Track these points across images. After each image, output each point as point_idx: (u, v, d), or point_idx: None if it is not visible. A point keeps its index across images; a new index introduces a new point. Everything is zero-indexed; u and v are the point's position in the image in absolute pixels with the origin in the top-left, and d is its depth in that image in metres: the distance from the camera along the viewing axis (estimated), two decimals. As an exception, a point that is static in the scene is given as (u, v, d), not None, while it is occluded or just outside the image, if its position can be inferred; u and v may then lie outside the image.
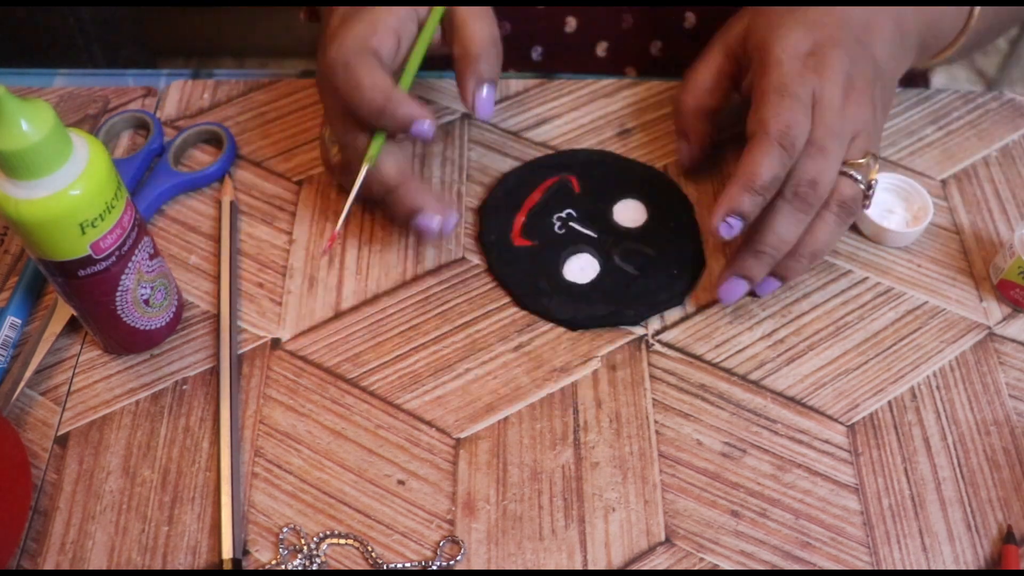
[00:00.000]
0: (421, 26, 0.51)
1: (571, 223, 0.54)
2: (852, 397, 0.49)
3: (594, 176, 0.56)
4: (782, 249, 0.48)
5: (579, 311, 0.51)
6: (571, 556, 0.44)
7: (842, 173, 0.47)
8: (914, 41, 0.53)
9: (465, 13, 0.50)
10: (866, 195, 0.48)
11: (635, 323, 0.51)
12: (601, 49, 0.67)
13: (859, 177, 0.47)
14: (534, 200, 0.55)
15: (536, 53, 0.68)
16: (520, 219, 0.54)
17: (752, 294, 0.51)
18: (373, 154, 0.48)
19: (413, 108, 0.48)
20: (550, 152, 0.58)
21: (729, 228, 0.46)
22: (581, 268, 0.53)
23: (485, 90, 0.50)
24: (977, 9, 0.55)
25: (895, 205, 0.55)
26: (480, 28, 0.50)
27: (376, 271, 0.53)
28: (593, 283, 0.52)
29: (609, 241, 0.53)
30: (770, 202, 0.47)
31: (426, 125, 0.48)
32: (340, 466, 0.46)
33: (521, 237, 0.54)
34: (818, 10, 0.49)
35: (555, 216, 0.54)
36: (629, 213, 0.55)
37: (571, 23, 0.66)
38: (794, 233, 0.47)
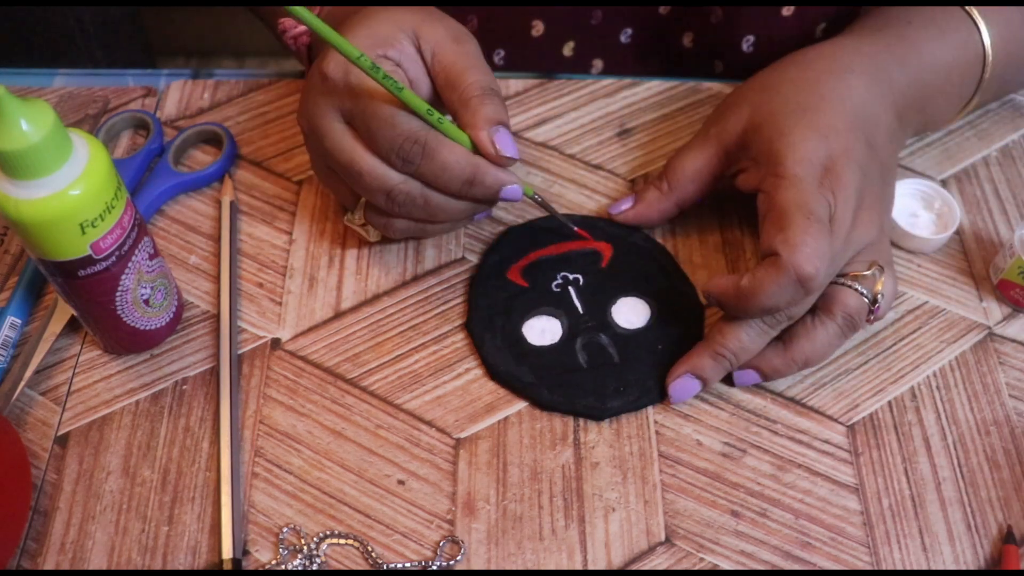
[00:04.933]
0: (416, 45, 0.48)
1: (569, 287, 0.51)
2: (852, 397, 0.49)
3: (627, 261, 0.53)
4: (741, 357, 0.46)
5: (506, 365, 0.48)
6: (571, 556, 0.44)
7: (847, 286, 0.46)
8: (910, 131, 0.54)
9: (460, 67, 0.47)
10: (871, 309, 0.46)
11: (544, 408, 0.48)
12: (568, 49, 0.66)
13: (864, 291, 0.46)
14: (558, 250, 0.53)
15: (498, 57, 0.66)
16: (531, 258, 0.52)
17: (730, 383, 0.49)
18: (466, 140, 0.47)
19: (500, 173, 0.46)
20: (607, 219, 0.54)
21: (681, 393, 0.47)
22: (542, 330, 0.50)
23: (501, 130, 0.46)
24: (975, 99, 0.55)
25: (917, 209, 0.55)
26: (478, 78, 0.47)
27: (376, 271, 0.53)
28: (540, 349, 0.49)
29: (587, 324, 0.50)
30: None
31: (517, 188, 0.47)
32: (340, 466, 0.46)
33: (519, 274, 0.52)
34: (827, 112, 0.47)
35: (562, 274, 0.52)
36: (630, 313, 0.51)
37: (538, 27, 0.64)
38: (757, 344, 0.46)
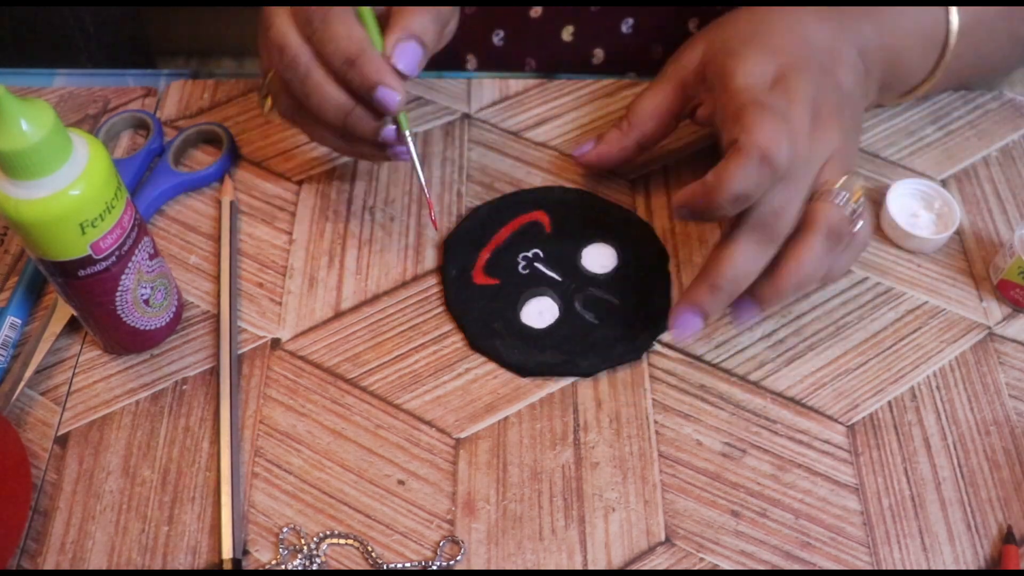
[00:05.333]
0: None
1: (536, 263, 0.52)
2: (852, 397, 0.49)
3: (567, 216, 0.54)
4: (740, 283, 0.45)
5: (530, 357, 0.49)
6: (571, 556, 0.44)
7: (824, 200, 0.44)
8: (876, 75, 0.52)
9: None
10: (851, 219, 0.45)
11: (587, 375, 0.49)
12: (567, 34, 0.66)
13: (840, 200, 0.44)
14: (502, 237, 0.53)
15: (497, 37, 0.66)
16: (485, 255, 0.53)
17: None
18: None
19: (385, 72, 0.45)
20: (524, 189, 0.56)
21: (683, 330, 0.46)
22: (540, 312, 0.51)
23: (411, 42, 0.46)
24: (949, 55, 0.53)
25: (917, 209, 0.55)
26: (423, 11, 0.47)
27: (376, 271, 0.53)
28: (550, 328, 0.50)
29: (572, 286, 0.51)
30: (730, 231, 0.44)
31: (394, 97, 0.45)
32: (340, 466, 0.46)
33: (484, 274, 0.52)
34: (779, 35, 0.47)
35: (521, 255, 0.53)
36: (599, 258, 0.53)
37: (536, 10, 0.64)
38: (754, 265, 0.44)
